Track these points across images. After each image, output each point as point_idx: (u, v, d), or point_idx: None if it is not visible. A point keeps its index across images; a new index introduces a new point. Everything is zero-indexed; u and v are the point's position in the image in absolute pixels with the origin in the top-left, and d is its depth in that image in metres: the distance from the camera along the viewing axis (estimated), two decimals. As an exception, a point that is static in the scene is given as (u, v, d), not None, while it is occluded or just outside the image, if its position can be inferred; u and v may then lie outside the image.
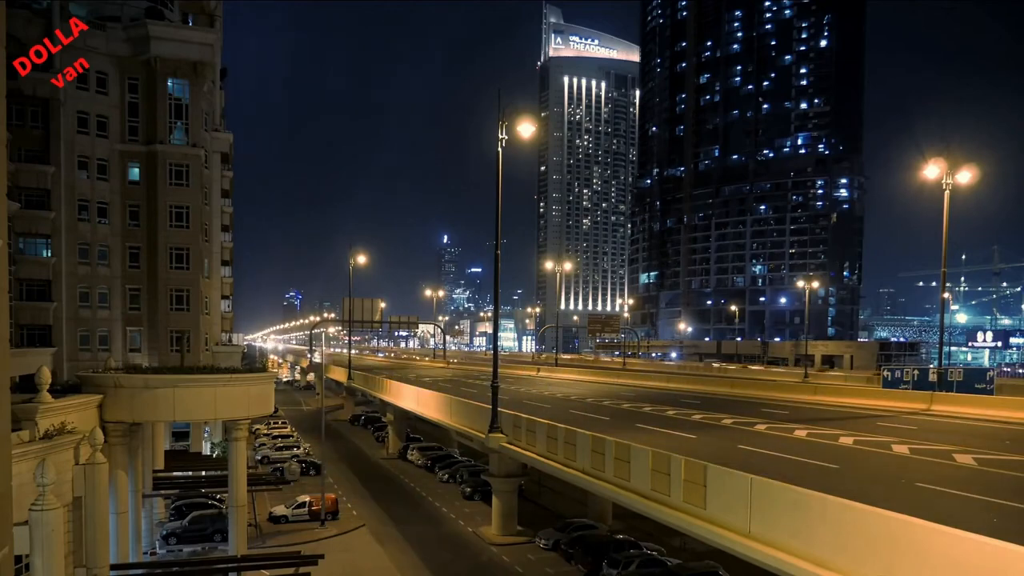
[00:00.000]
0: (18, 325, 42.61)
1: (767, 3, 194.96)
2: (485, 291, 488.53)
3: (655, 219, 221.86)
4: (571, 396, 56.11)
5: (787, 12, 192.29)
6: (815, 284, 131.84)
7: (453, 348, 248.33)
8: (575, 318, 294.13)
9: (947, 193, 43.82)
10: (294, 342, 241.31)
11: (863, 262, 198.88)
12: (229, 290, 68.01)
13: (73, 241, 45.89)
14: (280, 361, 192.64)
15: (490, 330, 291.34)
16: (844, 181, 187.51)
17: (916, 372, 53.33)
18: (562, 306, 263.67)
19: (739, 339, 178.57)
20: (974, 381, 48.77)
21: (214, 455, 53.59)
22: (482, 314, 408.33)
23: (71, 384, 31.07)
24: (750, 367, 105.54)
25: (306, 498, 46.68)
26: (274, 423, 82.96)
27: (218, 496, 42.56)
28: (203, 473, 46.31)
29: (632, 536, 39.22)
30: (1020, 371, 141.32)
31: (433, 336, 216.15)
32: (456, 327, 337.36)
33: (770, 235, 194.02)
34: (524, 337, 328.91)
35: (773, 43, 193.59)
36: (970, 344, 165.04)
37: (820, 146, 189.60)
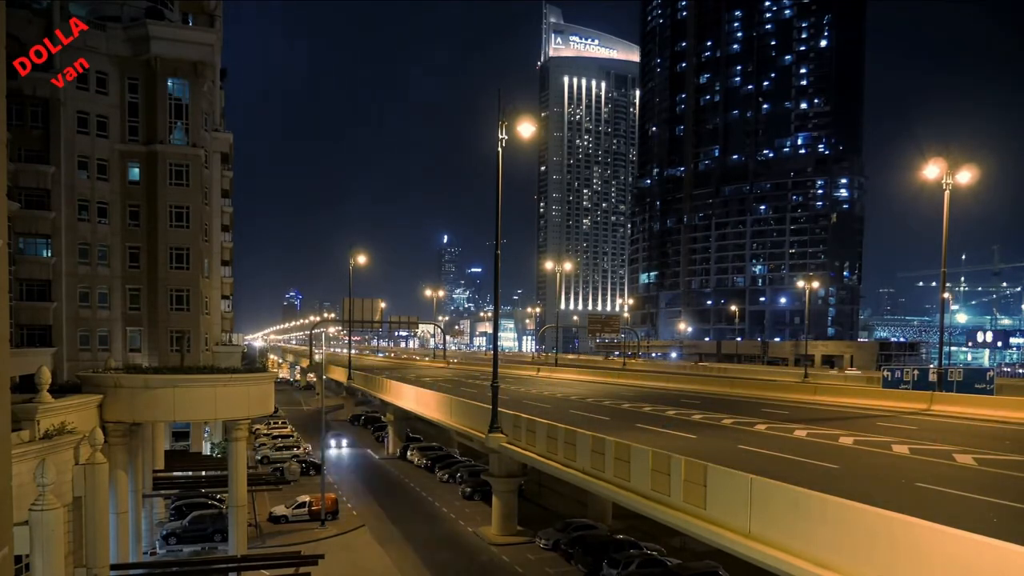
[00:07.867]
0: (18, 325, 42.61)
1: (767, 3, 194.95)
2: (485, 291, 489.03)
3: (655, 219, 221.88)
4: (571, 396, 56.09)
5: (787, 12, 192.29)
6: (815, 284, 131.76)
7: (453, 348, 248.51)
8: (575, 318, 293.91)
9: (947, 193, 43.80)
10: (294, 342, 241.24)
11: (863, 262, 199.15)
12: (229, 290, 68.00)
13: (73, 241, 45.86)
14: (280, 362, 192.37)
15: (490, 330, 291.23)
16: (844, 181, 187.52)
17: (916, 372, 53.34)
18: (562, 306, 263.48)
19: (739, 339, 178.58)
20: (974, 381, 48.77)
21: (214, 455, 53.57)
22: (482, 314, 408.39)
23: (71, 384, 31.10)
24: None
25: (306, 498, 46.69)
26: (274, 423, 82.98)
27: (218, 496, 42.55)
28: (203, 473, 46.28)
29: (632, 536, 39.17)
30: (1020, 371, 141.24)
31: (433, 336, 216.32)
32: (456, 327, 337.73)
33: (770, 235, 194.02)
34: (524, 337, 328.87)
35: (773, 43, 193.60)
36: (969, 344, 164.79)
37: (820, 146, 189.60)
